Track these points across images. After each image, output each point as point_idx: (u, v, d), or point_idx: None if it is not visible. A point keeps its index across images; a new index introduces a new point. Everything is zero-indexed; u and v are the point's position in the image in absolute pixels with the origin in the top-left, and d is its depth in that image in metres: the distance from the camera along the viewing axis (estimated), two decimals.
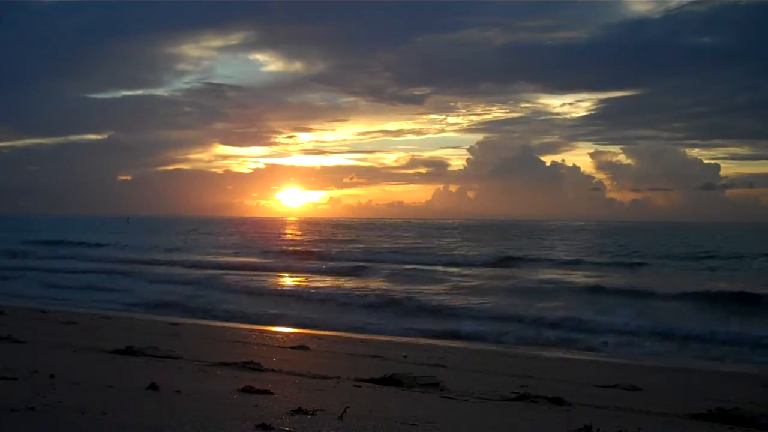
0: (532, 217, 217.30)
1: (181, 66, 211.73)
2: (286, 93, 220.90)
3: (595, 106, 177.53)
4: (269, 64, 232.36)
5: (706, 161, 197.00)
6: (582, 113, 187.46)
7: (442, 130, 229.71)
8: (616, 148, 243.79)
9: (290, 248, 57.00)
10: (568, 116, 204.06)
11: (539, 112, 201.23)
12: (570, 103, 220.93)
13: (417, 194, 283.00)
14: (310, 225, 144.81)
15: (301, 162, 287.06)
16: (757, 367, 13.90)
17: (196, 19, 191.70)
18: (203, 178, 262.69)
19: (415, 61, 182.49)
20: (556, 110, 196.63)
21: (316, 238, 79.72)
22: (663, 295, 25.43)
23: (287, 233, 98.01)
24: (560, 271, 36.63)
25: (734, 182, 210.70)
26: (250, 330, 17.48)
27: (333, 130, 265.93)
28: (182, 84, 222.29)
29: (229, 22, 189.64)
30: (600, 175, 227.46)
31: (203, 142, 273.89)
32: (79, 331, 13.44)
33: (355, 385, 8.06)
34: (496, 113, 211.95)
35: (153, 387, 6.37)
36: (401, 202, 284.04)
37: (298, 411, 5.58)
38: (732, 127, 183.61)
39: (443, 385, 8.33)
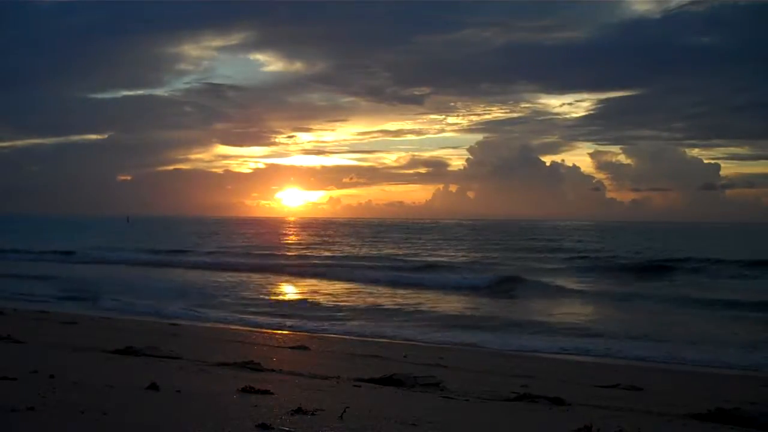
0: (531, 217, 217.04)
1: (181, 66, 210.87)
2: (286, 93, 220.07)
3: (594, 106, 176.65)
4: (269, 64, 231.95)
5: (706, 161, 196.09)
6: (582, 113, 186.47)
7: (442, 130, 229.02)
8: (615, 148, 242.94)
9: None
10: (567, 116, 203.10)
11: (539, 112, 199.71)
12: (570, 103, 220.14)
13: (417, 194, 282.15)
14: (302, 226, 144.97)
15: (301, 162, 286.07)
16: (757, 367, 13.88)
17: (196, 19, 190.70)
18: (203, 178, 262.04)
19: (415, 61, 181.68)
20: (556, 110, 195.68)
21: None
22: None
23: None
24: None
25: (734, 182, 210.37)
26: (250, 330, 17.48)
27: (333, 130, 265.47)
28: (182, 84, 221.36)
29: (229, 22, 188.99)
30: (600, 175, 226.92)
31: (203, 142, 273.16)
32: (79, 331, 13.43)
33: (355, 385, 8.06)
34: (496, 113, 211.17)
35: (153, 387, 6.37)
36: (401, 202, 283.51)
37: (298, 411, 5.58)
38: (732, 127, 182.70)
39: (443, 385, 8.33)
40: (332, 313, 22.10)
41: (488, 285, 29.67)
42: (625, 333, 18.06)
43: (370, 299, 25.63)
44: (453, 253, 52.96)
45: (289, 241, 76.12)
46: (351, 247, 62.66)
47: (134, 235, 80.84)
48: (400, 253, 54.45)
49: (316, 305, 24.00)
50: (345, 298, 26.11)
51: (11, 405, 5.10)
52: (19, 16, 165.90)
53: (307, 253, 54.49)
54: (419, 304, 24.32)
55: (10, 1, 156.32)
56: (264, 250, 55.64)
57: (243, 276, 35.04)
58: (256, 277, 34.41)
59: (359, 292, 28.17)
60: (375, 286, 30.54)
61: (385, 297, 26.33)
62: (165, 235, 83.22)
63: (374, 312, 22.21)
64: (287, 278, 34.98)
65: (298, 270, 38.66)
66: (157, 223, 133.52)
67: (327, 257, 49.12)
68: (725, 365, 14.00)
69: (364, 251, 56.45)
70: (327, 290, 29.11)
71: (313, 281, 33.29)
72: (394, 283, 31.23)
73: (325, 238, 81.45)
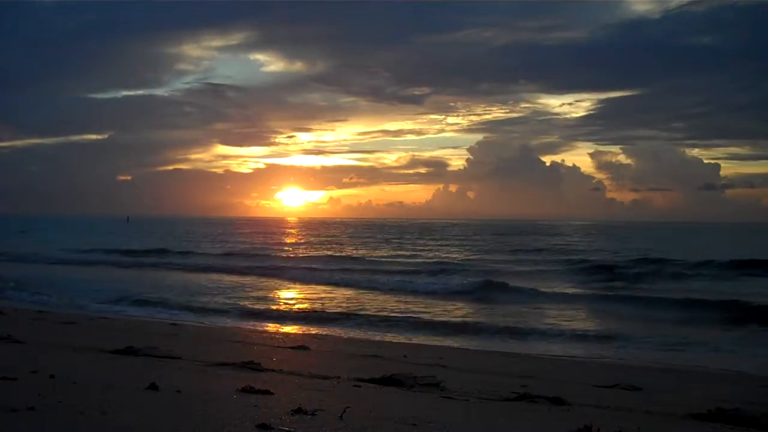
0: (532, 217, 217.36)
1: (181, 66, 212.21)
2: (286, 93, 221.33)
3: (594, 106, 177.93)
4: (269, 64, 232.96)
5: (706, 161, 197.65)
6: (582, 113, 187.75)
7: (442, 130, 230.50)
8: (615, 148, 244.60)
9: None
10: (567, 116, 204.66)
11: (539, 112, 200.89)
12: (570, 103, 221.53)
13: (417, 194, 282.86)
14: (302, 226, 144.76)
15: (301, 162, 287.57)
16: (757, 368, 13.87)
17: (196, 19, 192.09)
18: (203, 178, 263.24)
19: (415, 61, 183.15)
20: (556, 110, 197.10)
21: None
22: None
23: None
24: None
25: (734, 182, 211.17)
26: (250, 330, 17.48)
27: (333, 130, 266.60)
28: (182, 84, 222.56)
29: (229, 22, 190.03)
30: (600, 175, 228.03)
31: (203, 142, 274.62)
32: (78, 331, 13.44)
33: (355, 385, 8.06)
34: (496, 113, 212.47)
35: (153, 387, 6.37)
36: (401, 202, 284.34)
37: (298, 411, 5.58)
38: (732, 127, 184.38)
39: (443, 385, 8.33)
40: (321, 315, 22.06)
41: (483, 287, 29.33)
42: (624, 333, 18.05)
43: (362, 301, 25.54)
44: (451, 255, 52.79)
45: (279, 242, 75.55)
46: (343, 249, 62.37)
47: (126, 236, 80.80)
48: (400, 254, 54.39)
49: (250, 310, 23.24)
50: (339, 301, 26.12)
51: (11, 405, 5.09)
52: (18, 16, 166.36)
53: (294, 254, 54.06)
54: (414, 306, 24.29)
55: (9, 1, 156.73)
56: (247, 251, 55.30)
57: (200, 276, 34.82)
58: (211, 277, 34.20)
59: (346, 295, 27.91)
60: (367, 289, 29.97)
61: (378, 301, 26.07)
62: (156, 236, 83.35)
63: (369, 314, 22.06)
64: (246, 279, 34.06)
65: (273, 272, 37.37)
66: (156, 224, 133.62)
67: (314, 258, 48.55)
68: (725, 365, 14.00)
69: (357, 253, 56.16)
70: (313, 293, 29.08)
71: (300, 284, 32.67)
72: (388, 287, 30.47)
73: (323, 239, 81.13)
